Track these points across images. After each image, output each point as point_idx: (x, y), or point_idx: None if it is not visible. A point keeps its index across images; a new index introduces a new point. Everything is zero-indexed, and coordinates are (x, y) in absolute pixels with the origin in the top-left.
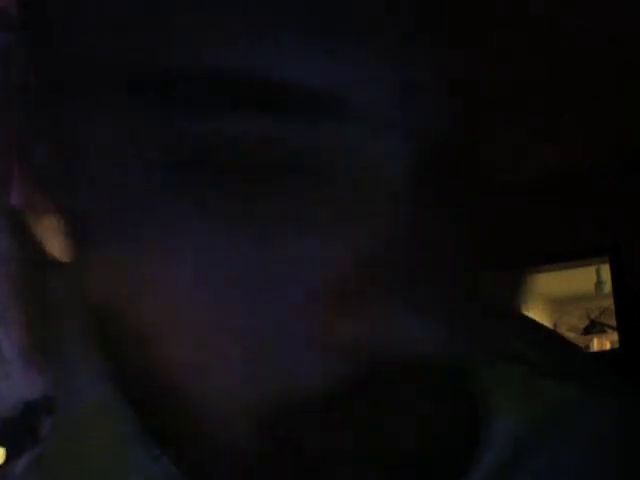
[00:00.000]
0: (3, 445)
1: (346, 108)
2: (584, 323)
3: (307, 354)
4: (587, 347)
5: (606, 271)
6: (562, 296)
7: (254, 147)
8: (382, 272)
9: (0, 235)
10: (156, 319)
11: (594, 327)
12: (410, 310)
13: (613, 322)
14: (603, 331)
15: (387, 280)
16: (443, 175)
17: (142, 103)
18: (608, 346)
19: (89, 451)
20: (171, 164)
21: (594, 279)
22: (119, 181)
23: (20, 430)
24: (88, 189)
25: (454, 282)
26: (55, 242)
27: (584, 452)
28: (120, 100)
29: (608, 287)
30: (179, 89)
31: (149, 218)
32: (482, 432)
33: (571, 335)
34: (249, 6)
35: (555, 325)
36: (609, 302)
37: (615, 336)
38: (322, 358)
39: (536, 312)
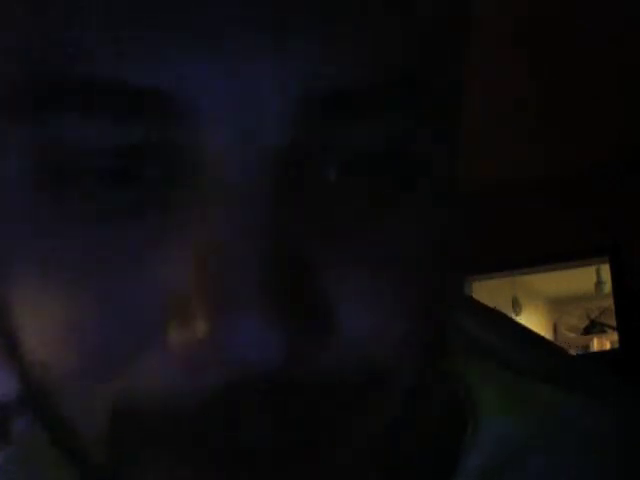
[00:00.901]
0: None
1: (177, 107)
2: (584, 323)
3: (148, 357)
4: (587, 347)
5: (606, 271)
6: (562, 296)
7: (98, 151)
8: (224, 278)
9: None
10: (18, 322)
11: (594, 327)
12: (251, 322)
13: (613, 322)
14: (603, 331)
15: (228, 286)
16: (292, 175)
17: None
18: (608, 346)
19: (51, 454)
20: (27, 177)
21: (594, 279)
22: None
23: None
24: None
25: (297, 294)
26: None
27: (582, 454)
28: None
29: (608, 287)
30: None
31: (10, 229)
32: (468, 434)
33: (571, 335)
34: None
35: (555, 325)
36: (609, 302)
37: (615, 336)
38: (163, 362)
39: (536, 312)
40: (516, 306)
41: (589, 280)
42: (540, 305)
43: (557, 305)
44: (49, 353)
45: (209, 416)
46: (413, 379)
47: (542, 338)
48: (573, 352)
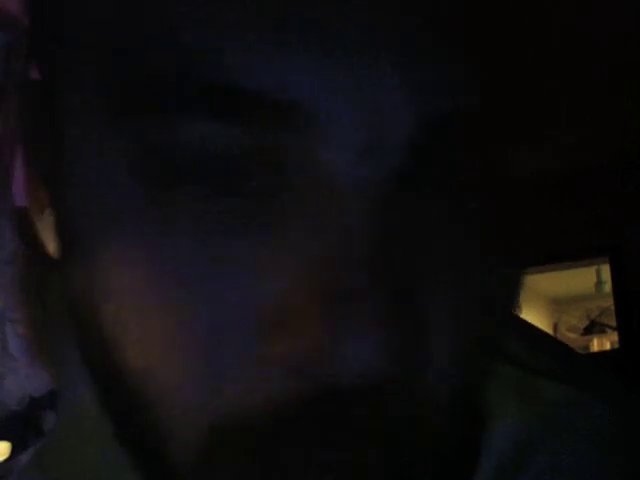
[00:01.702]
0: (9, 439)
1: (300, 117)
2: (584, 323)
3: (243, 369)
4: (587, 347)
5: (606, 271)
6: (562, 296)
7: (211, 154)
8: (324, 289)
9: (5, 235)
10: (114, 324)
11: (594, 327)
12: (348, 329)
13: (613, 322)
14: (603, 331)
15: (329, 297)
16: (399, 191)
17: (122, 113)
18: (608, 346)
19: (88, 447)
20: (139, 176)
21: (594, 279)
22: (99, 189)
23: (25, 425)
24: (75, 192)
25: (394, 300)
26: (53, 241)
27: (585, 453)
28: (108, 109)
29: (608, 287)
30: (151, 96)
31: (120, 228)
32: (482, 436)
33: (571, 335)
34: (216, 5)
35: (555, 325)
36: (609, 302)
37: (615, 336)
38: (260, 375)
39: (536, 312)
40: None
41: (589, 280)
42: (540, 305)
43: (557, 305)
44: (155, 358)
45: (306, 426)
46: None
47: (549, 335)
48: None
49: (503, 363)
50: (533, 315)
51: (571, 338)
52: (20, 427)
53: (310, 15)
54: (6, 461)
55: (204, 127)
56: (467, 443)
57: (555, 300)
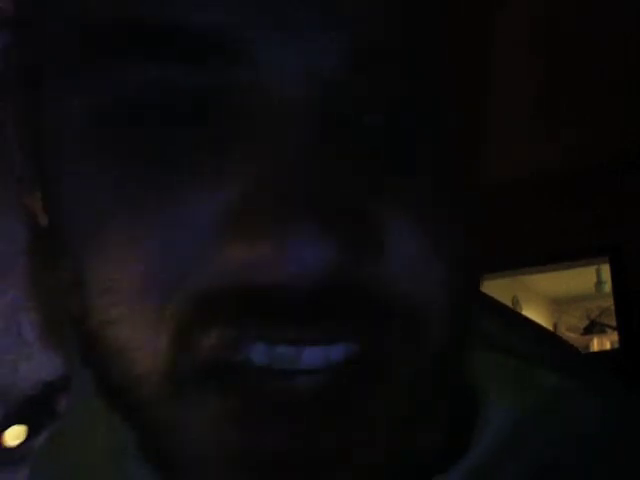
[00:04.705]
0: (25, 423)
1: (234, 47)
2: (584, 323)
3: (204, 272)
4: (587, 347)
5: (606, 271)
6: (562, 296)
7: (155, 94)
8: (277, 195)
9: (17, 227)
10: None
11: (594, 327)
12: (307, 231)
13: (613, 322)
14: (603, 331)
15: (282, 203)
16: (340, 111)
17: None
18: (608, 346)
19: (98, 431)
20: (92, 118)
21: (594, 279)
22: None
23: (40, 409)
24: (57, 177)
25: (347, 206)
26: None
27: (581, 442)
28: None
29: (608, 287)
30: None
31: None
32: (478, 417)
33: (571, 335)
34: None
35: (555, 325)
36: (609, 302)
37: (615, 336)
38: (220, 276)
39: (536, 312)
40: (516, 306)
41: (589, 280)
42: (540, 305)
43: (557, 305)
44: (114, 278)
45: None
46: (443, 335)
47: (544, 328)
48: None
49: (501, 352)
50: (533, 315)
51: (571, 338)
52: (35, 411)
53: None
54: (23, 444)
55: (150, 69)
56: (459, 425)
57: (555, 300)
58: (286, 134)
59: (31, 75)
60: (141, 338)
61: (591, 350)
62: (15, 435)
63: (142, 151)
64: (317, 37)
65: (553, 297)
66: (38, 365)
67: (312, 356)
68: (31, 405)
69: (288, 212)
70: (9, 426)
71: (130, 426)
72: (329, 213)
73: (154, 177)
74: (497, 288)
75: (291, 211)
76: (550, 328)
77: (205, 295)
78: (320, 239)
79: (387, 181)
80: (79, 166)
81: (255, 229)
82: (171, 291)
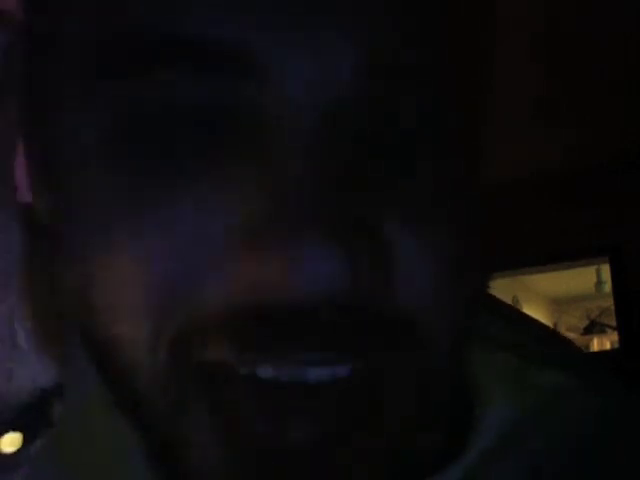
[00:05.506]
0: (20, 430)
1: (249, 62)
2: (584, 323)
3: (212, 286)
4: (587, 347)
5: (606, 271)
6: (562, 296)
7: (176, 104)
8: (292, 211)
9: (12, 231)
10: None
11: (594, 327)
12: (316, 246)
13: (613, 322)
14: (603, 331)
15: (296, 219)
16: (354, 126)
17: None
18: (608, 346)
19: (96, 436)
20: (107, 132)
21: (594, 279)
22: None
23: (35, 416)
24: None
25: (362, 223)
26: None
27: (580, 438)
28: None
29: (608, 287)
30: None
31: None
32: (478, 417)
33: (571, 335)
34: None
35: (555, 325)
36: (609, 302)
37: (615, 336)
38: (227, 290)
39: (536, 312)
40: (516, 306)
41: (589, 280)
42: (540, 305)
43: (557, 305)
44: (117, 294)
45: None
46: (448, 343)
47: (545, 326)
48: None
49: (502, 352)
50: (533, 315)
51: (571, 338)
52: (31, 418)
53: None
54: (18, 451)
55: (168, 80)
56: (459, 425)
57: (555, 300)
58: (301, 149)
59: (42, 85)
60: (143, 352)
61: (591, 350)
62: (10, 442)
63: (156, 165)
64: (332, 51)
65: (553, 297)
66: (34, 373)
67: (318, 372)
68: (26, 412)
69: (305, 228)
70: (4, 433)
71: (134, 430)
72: (345, 230)
73: (167, 190)
74: (497, 288)
75: (308, 227)
76: None
77: (215, 310)
78: (336, 255)
79: (394, 193)
80: (91, 178)
81: (271, 245)
82: (177, 305)
